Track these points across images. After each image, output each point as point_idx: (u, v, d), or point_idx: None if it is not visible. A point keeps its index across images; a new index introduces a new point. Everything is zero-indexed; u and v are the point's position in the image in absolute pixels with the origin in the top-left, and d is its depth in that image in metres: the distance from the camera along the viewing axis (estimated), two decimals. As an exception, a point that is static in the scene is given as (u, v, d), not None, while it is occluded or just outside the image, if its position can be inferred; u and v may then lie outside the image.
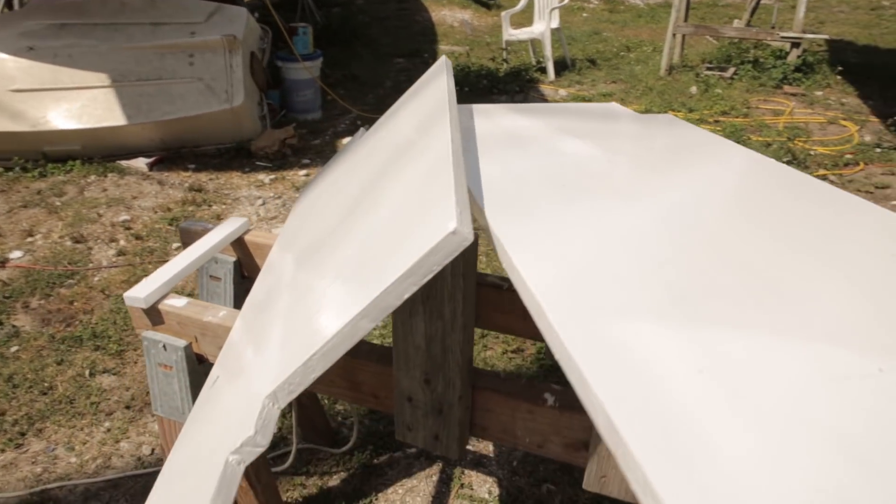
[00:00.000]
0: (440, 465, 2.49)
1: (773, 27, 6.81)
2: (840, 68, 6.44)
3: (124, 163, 4.90)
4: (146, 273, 3.61)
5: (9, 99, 4.67)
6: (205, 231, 1.79)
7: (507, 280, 1.53)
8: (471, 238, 0.73)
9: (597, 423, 0.57)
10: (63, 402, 2.78)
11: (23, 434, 2.63)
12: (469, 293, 1.03)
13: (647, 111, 5.79)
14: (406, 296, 0.76)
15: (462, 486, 2.40)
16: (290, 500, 2.35)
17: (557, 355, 0.65)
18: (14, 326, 3.25)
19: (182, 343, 1.41)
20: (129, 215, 4.24)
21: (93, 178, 4.74)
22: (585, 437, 1.13)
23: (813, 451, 0.51)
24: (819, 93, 6.15)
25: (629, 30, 8.98)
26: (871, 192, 4.44)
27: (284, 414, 2.58)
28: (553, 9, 7.02)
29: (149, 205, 4.40)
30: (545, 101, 6.35)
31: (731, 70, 6.50)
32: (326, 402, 2.71)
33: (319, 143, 5.47)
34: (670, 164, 1.19)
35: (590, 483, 1.10)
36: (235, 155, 5.13)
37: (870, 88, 6.29)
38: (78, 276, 3.65)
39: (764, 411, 0.55)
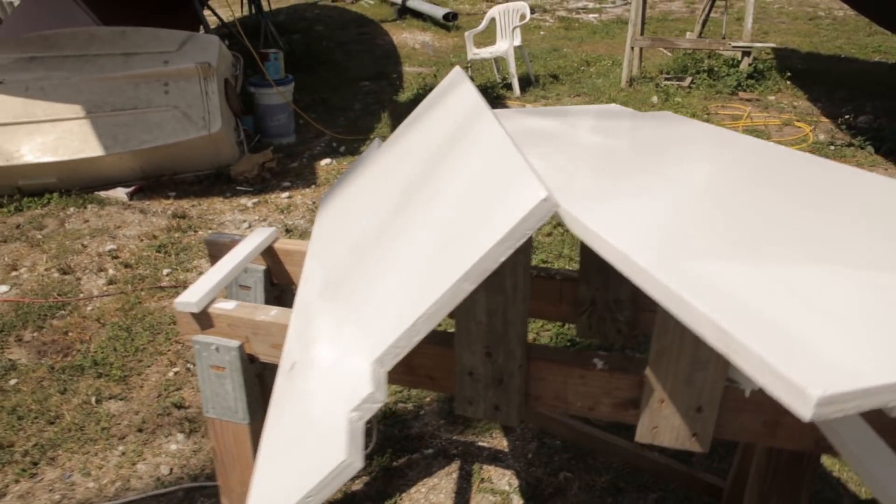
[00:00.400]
0: (458, 462, 2.56)
1: (723, 38, 7.17)
2: (789, 74, 6.82)
3: (103, 193, 4.87)
4: (140, 301, 3.61)
5: (-18, 134, 4.62)
6: (233, 242, 1.86)
7: (535, 268, 1.64)
8: (558, 205, 0.84)
9: (703, 334, 0.68)
10: (72, 429, 2.77)
11: (35, 463, 2.60)
12: (527, 267, 1.13)
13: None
14: (502, 259, 0.86)
15: (482, 480, 2.48)
16: (315, 506, 2.39)
17: (652, 290, 0.76)
18: (10, 360, 3.22)
19: (235, 343, 1.47)
20: (115, 244, 4.22)
21: (72, 210, 4.70)
22: (634, 395, 1.23)
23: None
24: (772, 97, 6.50)
25: (586, 45, 9.31)
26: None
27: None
28: (515, 27, 7.26)
29: (133, 233, 4.38)
30: (514, 115, 6.53)
31: (689, 79, 6.82)
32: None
33: (297, 165, 5.53)
34: (689, 149, 1.32)
35: (642, 435, 1.20)
36: (215, 181, 5.15)
37: (817, 91, 6.67)
38: (69, 306, 3.63)
39: (837, 313, 0.66)
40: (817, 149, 5.35)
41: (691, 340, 1.10)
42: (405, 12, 11.46)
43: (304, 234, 4.31)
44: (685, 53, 7.38)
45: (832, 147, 5.34)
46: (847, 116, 5.76)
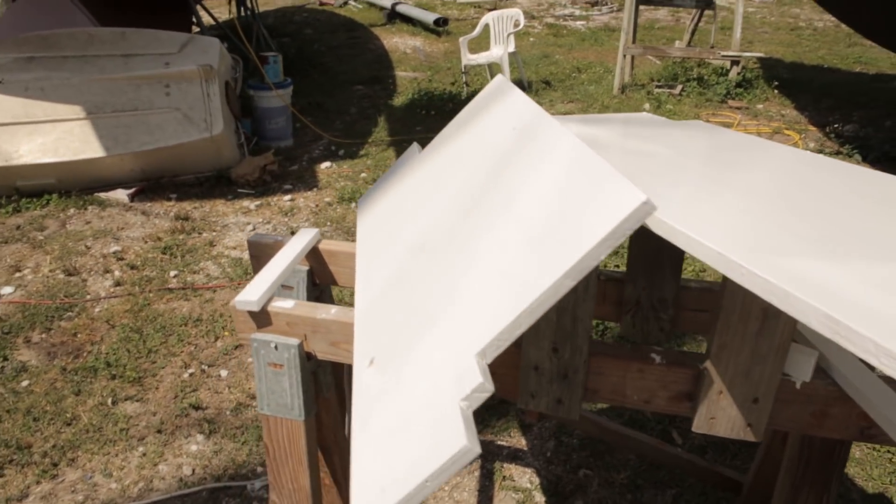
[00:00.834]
0: (479, 461, 2.61)
1: (712, 47, 7.34)
2: (776, 83, 7.01)
3: (104, 195, 4.85)
4: (149, 302, 3.61)
5: (-19, 134, 4.57)
6: (276, 242, 1.89)
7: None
8: (655, 208, 0.90)
9: (811, 321, 0.74)
10: (90, 430, 2.77)
11: (55, 465, 2.60)
12: (596, 268, 1.19)
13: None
14: (602, 258, 0.92)
15: (504, 478, 2.53)
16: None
17: (751, 285, 0.82)
18: (20, 361, 3.20)
19: (295, 342, 1.51)
20: (120, 246, 4.21)
21: (72, 211, 4.67)
22: (689, 388, 1.30)
23: None
24: (760, 106, 6.67)
25: (576, 52, 9.45)
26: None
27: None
28: (510, 34, 7.35)
29: (137, 235, 4.37)
30: (509, 121, 6.61)
31: (679, 87, 6.97)
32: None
33: (297, 168, 5.55)
34: (739, 155, 1.40)
35: (700, 425, 1.27)
36: (216, 183, 5.15)
37: (804, 100, 6.86)
38: (77, 308, 3.61)
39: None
40: (806, 156, 5.50)
41: (752, 335, 1.17)
42: (394, 17, 11.51)
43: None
44: (675, 62, 7.54)
45: (822, 155, 5.50)
46: (836, 125, 5.94)
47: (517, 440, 2.72)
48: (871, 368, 1.25)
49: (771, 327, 1.15)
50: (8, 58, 4.85)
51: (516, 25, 7.47)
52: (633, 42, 7.23)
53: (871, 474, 2.52)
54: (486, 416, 2.84)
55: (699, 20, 7.73)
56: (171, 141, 4.89)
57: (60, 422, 2.82)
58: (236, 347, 3.29)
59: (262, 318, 1.53)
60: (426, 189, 1.62)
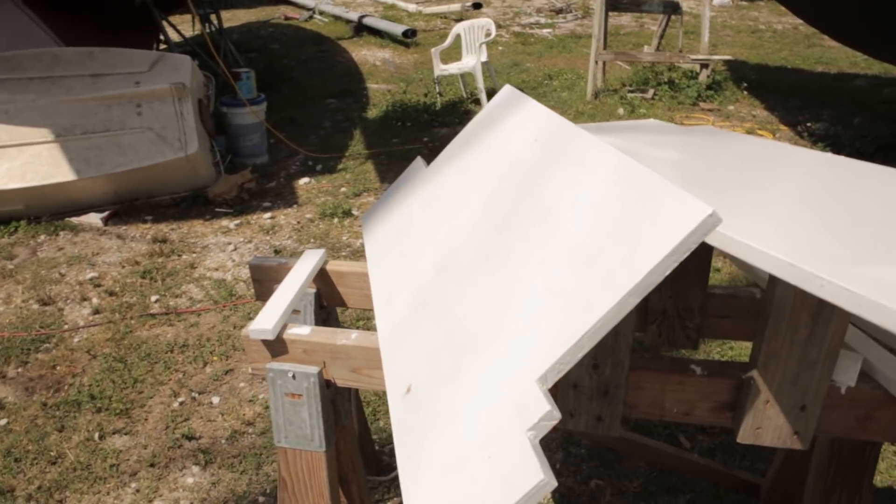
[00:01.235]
0: (489, 477, 2.55)
1: (680, 51, 7.46)
2: (745, 85, 7.14)
3: (75, 219, 4.68)
4: (131, 330, 3.49)
5: (-57, 162, 4.38)
6: (280, 265, 1.82)
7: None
8: (721, 220, 0.86)
9: (893, 327, 0.71)
10: (78, 468, 2.64)
11: (44, 507, 2.47)
12: (637, 280, 1.15)
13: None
14: (667, 273, 0.88)
15: (515, 494, 2.47)
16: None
17: (831, 296, 0.79)
18: (-2, 398, 3.04)
19: (314, 370, 1.44)
20: (96, 272, 4.06)
21: (43, 237, 4.50)
22: (730, 398, 1.27)
23: None
24: (731, 107, 6.78)
25: (545, 60, 9.51)
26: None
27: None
28: (481, 43, 7.36)
29: (114, 260, 4.22)
30: (485, 130, 6.60)
31: (651, 91, 7.05)
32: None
33: (275, 185, 5.44)
34: (763, 161, 1.38)
35: (745, 436, 1.24)
36: (193, 203, 5.01)
37: (772, 101, 6.99)
38: (54, 339, 3.46)
39: None
40: (780, 155, 5.60)
41: (801, 342, 1.14)
42: (362, 29, 11.46)
43: (294, 255, 4.23)
44: (645, 66, 7.63)
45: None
46: (808, 124, 6.06)
47: (525, 454, 2.67)
48: None
49: (820, 334, 1.12)
50: (-32, 81, 4.67)
51: (488, 35, 7.48)
52: (605, 48, 7.30)
53: (878, 468, 2.53)
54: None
55: (667, 25, 7.85)
56: (145, 161, 4.75)
57: (44, 461, 2.68)
58: (227, 372, 3.18)
59: (277, 346, 1.46)
60: (442, 205, 1.56)
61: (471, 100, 7.52)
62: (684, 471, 2.43)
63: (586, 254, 0.98)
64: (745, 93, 7.12)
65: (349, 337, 1.43)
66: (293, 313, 1.83)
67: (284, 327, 1.48)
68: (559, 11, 13.14)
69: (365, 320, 3.55)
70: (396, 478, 2.54)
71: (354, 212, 4.89)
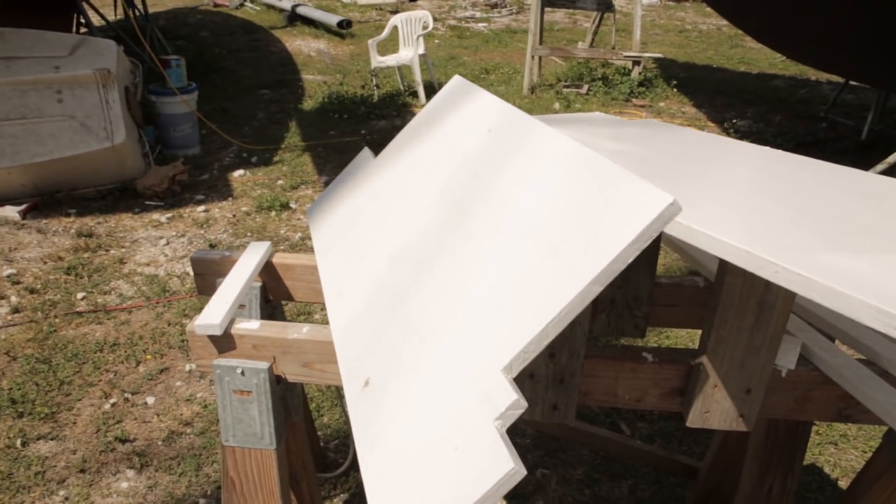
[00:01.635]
0: (437, 470, 2.55)
1: (613, 48, 7.64)
2: (675, 82, 7.39)
3: (-10, 213, 4.38)
4: (55, 329, 3.30)
5: None
6: (224, 258, 1.75)
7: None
8: (681, 208, 0.88)
9: (860, 316, 0.74)
10: None
11: (-38, 520, 2.30)
12: (593, 269, 1.17)
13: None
14: (629, 261, 0.89)
15: (463, 485, 2.48)
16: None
17: (786, 282, 0.82)
18: None
19: (265, 365, 1.39)
20: (14, 269, 3.81)
21: (-47, 232, 4.19)
22: (680, 384, 1.31)
23: None
24: (662, 104, 7.01)
25: (482, 54, 9.56)
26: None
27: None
28: (419, 35, 7.32)
29: (34, 256, 3.98)
30: (424, 123, 6.58)
31: (586, 87, 7.20)
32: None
33: (209, 178, 5.26)
34: (709, 153, 1.42)
35: (694, 420, 1.28)
36: (120, 196, 4.78)
37: (700, 98, 7.27)
38: (-31, 340, 3.23)
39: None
40: (708, 151, 5.84)
41: (748, 329, 1.19)
42: (295, 19, 11.21)
43: (231, 249, 4.10)
44: (579, 62, 7.79)
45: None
46: (733, 121, 6.33)
47: (472, 445, 2.68)
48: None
49: (766, 320, 1.17)
50: None
51: (425, 27, 7.46)
52: (541, 43, 7.40)
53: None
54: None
55: (600, 22, 8.03)
56: (67, 152, 4.49)
57: (-38, 471, 2.50)
58: (161, 371, 3.05)
59: (224, 342, 1.41)
60: (393, 196, 1.54)
61: (408, 92, 7.48)
62: (626, 457, 2.50)
63: (548, 243, 0.98)
64: (675, 90, 7.38)
65: (301, 331, 1.39)
66: (238, 308, 1.77)
67: (232, 322, 1.43)
68: (494, 6, 13.24)
69: (306, 314, 3.48)
70: (343, 474, 2.51)
71: (292, 205, 4.78)
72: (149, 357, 3.15)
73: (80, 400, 2.88)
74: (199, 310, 3.47)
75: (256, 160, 5.62)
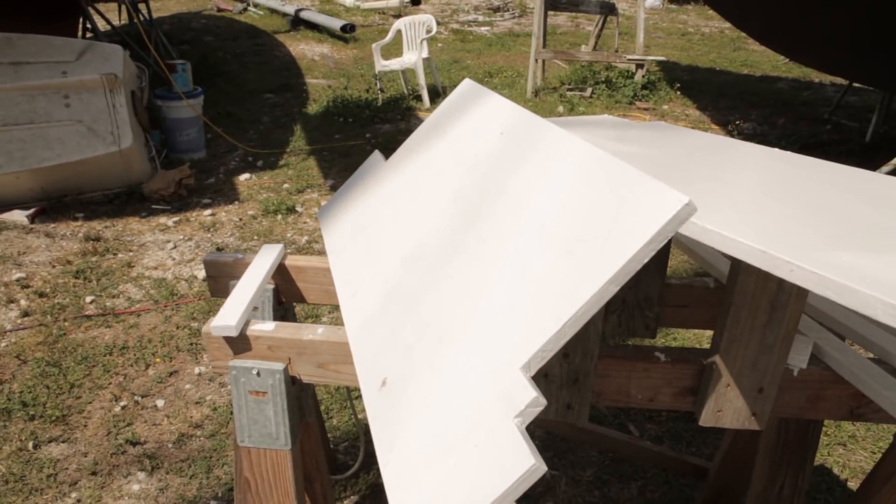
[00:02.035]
0: (446, 471, 2.56)
1: (616, 51, 7.66)
2: (678, 85, 7.41)
3: (-2, 217, 4.41)
4: (65, 332, 3.32)
5: None
6: (237, 260, 1.77)
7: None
8: (696, 209, 0.89)
9: (876, 313, 0.75)
10: (11, 480, 2.49)
11: (-25, 522, 2.32)
12: (607, 270, 1.18)
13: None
14: (645, 261, 0.90)
15: (473, 487, 2.49)
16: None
17: (800, 280, 0.83)
18: (-82, 409, 2.84)
19: (280, 366, 1.41)
20: (23, 272, 3.84)
21: (-38, 237, 4.22)
22: (692, 383, 1.32)
23: None
24: (665, 106, 7.03)
25: (485, 57, 9.59)
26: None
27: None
28: (423, 39, 7.35)
29: (43, 259, 4.00)
30: (428, 126, 6.61)
31: (589, 90, 7.22)
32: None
33: (215, 181, 5.28)
34: (720, 155, 1.43)
35: (707, 419, 1.29)
36: (127, 200, 4.81)
37: (704, 101, 7.29)
38: (-20, 344, 3.25)
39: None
40: (712, 153, 5.85)
41: (760, 328, 1.20)
42: (299, 23, 11.25)
43: (238, 252, 4.12)
44: (582, 65, 7.81)
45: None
46: (737, 123, 6.34)
47: (480, 447, 2.69)
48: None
49: (778, 319, 1.18)
50: None
51: (429, 31, 7.48)
52: (544, 46, 7.42)
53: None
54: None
55: (603, 25, 8.05)
56: (75, 156, 4.52)
57: (-25, 473, 2.52)
58: (171, 374, 3.07)
59: (240, 343, 1.42)
60: (405, 198, 1.56)
61: (412, 96, 7.51)
62: (635, 458, 2.51)
63: (564, 243, 1.00)
64: (678, 93, 7.39)
65: (315, 332, 1.41)
66: (252, 310, 1.78)
67: (247, 323, 1.44)
68: (497, 10, 13.28)
69: (314, 317, 3.50)
70: (353, 476, 2.52)
71: (298, 208, 4.80)
72: (158, 360, 3.16)
73: (90, 403, 2.90)
74: (208, 313, 3.49)
75: (262, 164, 5.64)
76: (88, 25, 7.09)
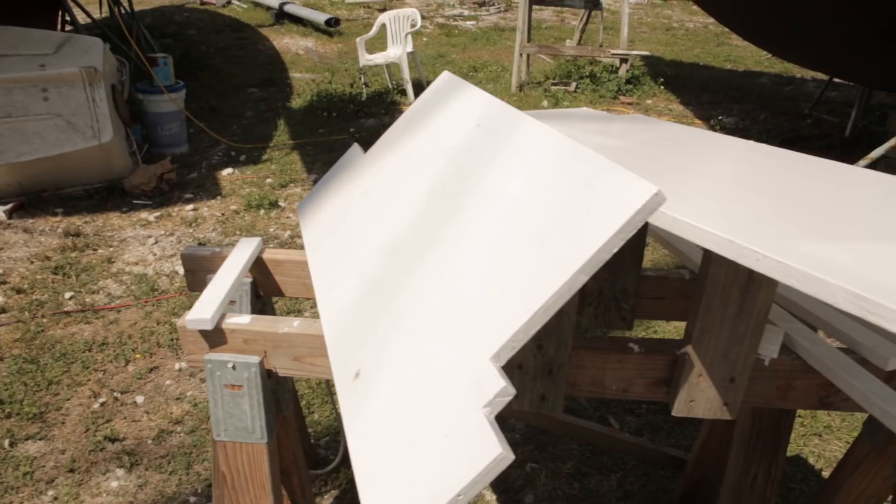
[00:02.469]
0: (427, 465, 2.57)
1: (601, 45, 7.68)
2: (662, 80, 7.44)
3: (-25, 213, 4.35)
4: (43, 329, 3.29)
5: None
6: (214, 255, 1.76)
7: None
8: (665, 199, 0.90)
9: (838, 302, 0.76)
10: (-12, 478, 2.46)
11: (-50, 520, 2.29)
12: (580, 261, 1.18)
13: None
14: (615, 250, 0.91)
15: (454, 480, 2.50)
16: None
17: (766, 269, 0.84)
18: None
19: (255, 359, 1.40)
20: (1, 269, 3.78)
21: (-62, 233, 4.16)
22: (666, 374, 1.33)
23: None
24: (649, 101, 7.06)
25: (470, 52, 9.58)
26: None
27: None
28: (407, 33, 7.33)
29: (21, 255, 3.95)
30: (413, 121, 6.59)
31: (574, 84, 7.23)
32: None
33: (197, 176, 5.24)
34: (695, 147, 1.44)
35: (679, 409, 1.30)
36: (108, 195, 4.76)
37: (687, 96, 7.33)
38: (-44, 341, 3.21)
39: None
40: (694, 147, 5.89)
41: (731, 318, 1.21)
42: (283, 17, 11.18)
43: (219, 247, 4.09)
44: (567, 60, 7.82)
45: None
46: (720, 118, 6.38)
47: (462, 440, 2.70)
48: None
49: (748, 309, 1.19)
50: None
51: (413, 25, 7.46)
52: (529, 41, 7.43)
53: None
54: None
55: (588, 20, 8.06)
56: (53, 150, 4.47)
57: (-50, 471, 2.49)
58: (151, 370, 3.05)
59: (216, 336, 1.42)
60: (383, 191, 1.55)
61: (397, 90, 7.49)
62: (615, 450, 2.52)
63: (536, 234, 1.00)
64: (662, 87, 7.43)
65: (291, 325, 1.40)
66: (228, 304, 1.77)
67: (223, 317, 1.43)
68: (482, 4, 13.26)
69: (297, 312, 3.48)
70: (334, 471, 2.52)
71: (281, 203, 4.78)
72: (138, 356, 3.14)
73: (68, 400, 2.87)
74: (189, 308, 3.47)
75: (245, 158, 5.60)
76: (68, 18, 6.99)
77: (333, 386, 2.93)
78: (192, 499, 2.41)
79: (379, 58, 7.43)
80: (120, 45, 6.57)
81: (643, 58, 8.40)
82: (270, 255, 1.75)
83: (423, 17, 11.98)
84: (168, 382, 2.98)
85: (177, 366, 3.07)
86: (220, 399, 1.43)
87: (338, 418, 2.72)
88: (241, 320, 1.42)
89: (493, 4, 13.23)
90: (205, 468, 2.52)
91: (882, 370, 1.27)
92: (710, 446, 2.11)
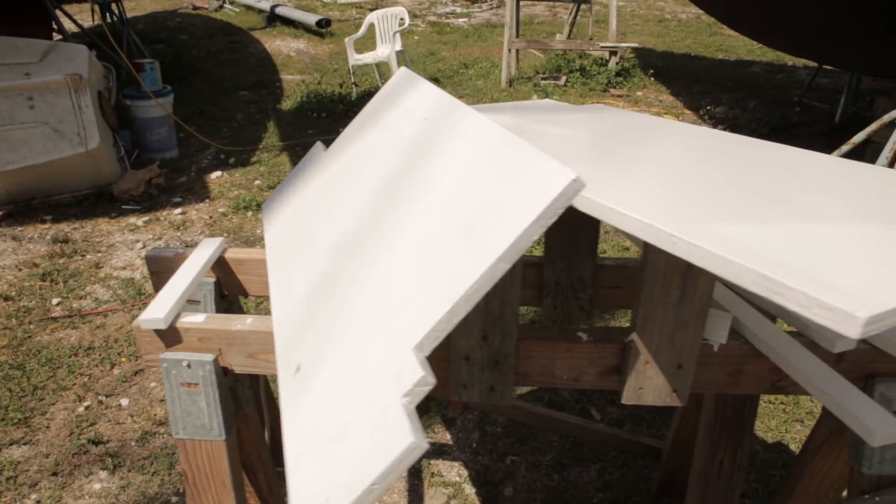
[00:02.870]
0: (407, 460, 2.58)
1: (591, 39, 7.67)
2: (652, 71, 7.42)
3: (-36, 222, 4.38)
4: (30, 335, 3.31)
5: None
6: (178, 255, 1.77)
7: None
8: (584, 185, 0.90)
9: (745, 282, 0.76)
10: (-28, 483, 2.48)
11: (-67, 526, 2.31)
12: (521, 251, 1.19)
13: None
14: (535, 238, 0.91)
15: (433, 474, 2.51)
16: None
17: (682, 252, 0.84)
18: None
19: (210, 357, 1.41)
20: (-11, 277, 3.81)
21: (-73, 243, 4.19)
22: (616, 362, 1.33)
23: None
24: (640, 93, 7.04)
25: (461, 49, 9.57)
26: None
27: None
28: (396, 32, 7.33)
29: (9, 263, 3.98)
30: (403, 119, 6.60)
31: (564, 78, 7.22)
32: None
33: (186, 180, 5.26)
34: (644, 133, 1.45)
35: (629, 397, 1.30)
36: (97, 201, 4.78)
37: (677, 87, 7.31)
38: (-57, 349, 3.24)
39: (842, 257, 0.79)
40: (684, 138, 5.88)
41: (674, 304, 1.21)
42: (274, 19, 11.20)
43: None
44: (557, 54, 7.81)
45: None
46: (709, 107, 6.37)
47: (441, 435, 2.71)
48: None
49: (690, 295, 1.19)
50: None
51: (401, 24, 7.46)
52: (517, 36, 7.42)
53: (769, 425, 2.71)
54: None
55: (577, 14, 8.05)
56: (41, 158, 4.49)
57: (-65, 478, 2.51)
58: (136, 373, 3.06)
59: (170, 335, 1.43)
60: (338, 187, 1.56)
61: (388, 89, 7.49)
62: (594, 441, 2.53)
63: (464, 224, 1.00)
64: (653, 79, 7.41)
65: (244, 322, 1.41)
66: (193, 303, 1.78)
67: (178, 316, 1.44)
68: (474, 1, 13.24)
69: (268, 312, 3.49)
70: (314, 467, 2.53)
71: (269, 204, 4.79)
72: (123, 359, 3.16)
73: (53, 404, 2.89)
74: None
75: (234, 161, 5.62)
76: (55, 27, 7.02)
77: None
78: (174, 499, 2.42)
79: (368, 57, 7.44)
80: (108, 51, 6.59)
81: (634, 50, 8.39)
82: (233, 254, 1.76)
83: (415, 16, 11.99)
84: (153, 385, 3.00)
85: (144, 361, 3.08)
86: (176, 397, 1.44)
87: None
88: (196, 319, 1.43)
89: (486, 1, 13.22)
90: (186, 469, 2.54)
91: (831, 353, 1.27)
92: (682, 435, 2.12)
